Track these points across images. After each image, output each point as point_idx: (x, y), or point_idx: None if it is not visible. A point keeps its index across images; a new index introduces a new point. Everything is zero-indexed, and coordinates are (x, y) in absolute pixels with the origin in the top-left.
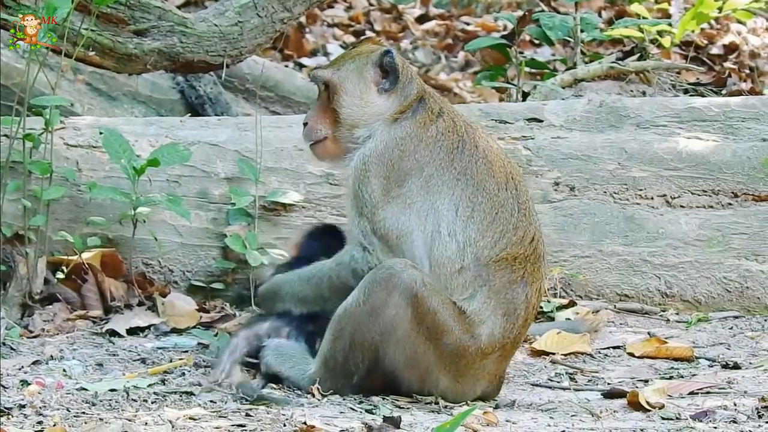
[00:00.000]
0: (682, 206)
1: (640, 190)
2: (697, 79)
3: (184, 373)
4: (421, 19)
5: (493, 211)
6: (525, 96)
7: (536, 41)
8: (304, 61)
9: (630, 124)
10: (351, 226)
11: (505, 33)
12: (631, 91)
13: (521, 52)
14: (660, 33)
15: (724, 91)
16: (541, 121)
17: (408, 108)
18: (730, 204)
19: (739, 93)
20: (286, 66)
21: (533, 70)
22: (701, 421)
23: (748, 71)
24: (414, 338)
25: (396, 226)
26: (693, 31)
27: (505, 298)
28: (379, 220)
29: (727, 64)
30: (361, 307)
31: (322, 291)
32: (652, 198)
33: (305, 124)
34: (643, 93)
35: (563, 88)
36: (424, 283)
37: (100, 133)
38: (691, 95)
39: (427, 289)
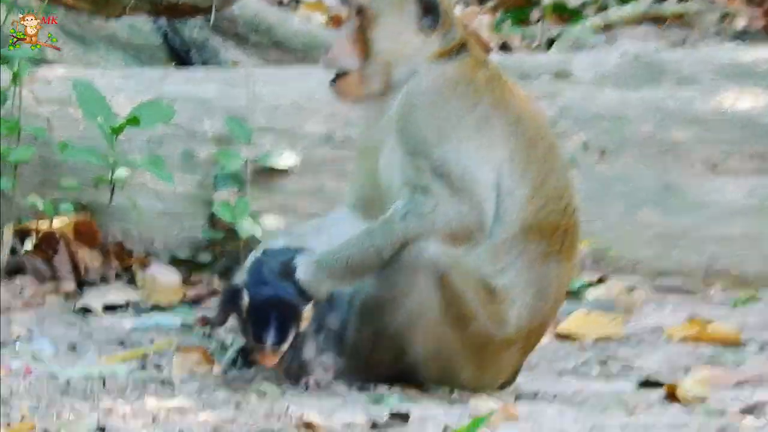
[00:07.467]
0: (727, 172)
1: (680, 154)
2: (746, 24)
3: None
4: None
5: (543, 171)
6: (550, 43)
7: None
8: None
9: (668, 80)
10: (398, 172)
11: None
12: (670, 37)
13: None
14: None
15: None
16: (569, 76)
17: (451, 51)
18: None
19: None
20: (281, 2)
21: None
22: (749, 415)
23: None
24: (440, 327)
25: (456, 163)
26: None
27: (537, 274)
28: (437, 158)
29: None
30: (383, 294)
31: (384, 256)
32: (693, 163)
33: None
34: (683, 40)
35: (593, 34)
36: (450, 263)
37: (74, 88)
38: (738, 44)
39: (455, 269)
